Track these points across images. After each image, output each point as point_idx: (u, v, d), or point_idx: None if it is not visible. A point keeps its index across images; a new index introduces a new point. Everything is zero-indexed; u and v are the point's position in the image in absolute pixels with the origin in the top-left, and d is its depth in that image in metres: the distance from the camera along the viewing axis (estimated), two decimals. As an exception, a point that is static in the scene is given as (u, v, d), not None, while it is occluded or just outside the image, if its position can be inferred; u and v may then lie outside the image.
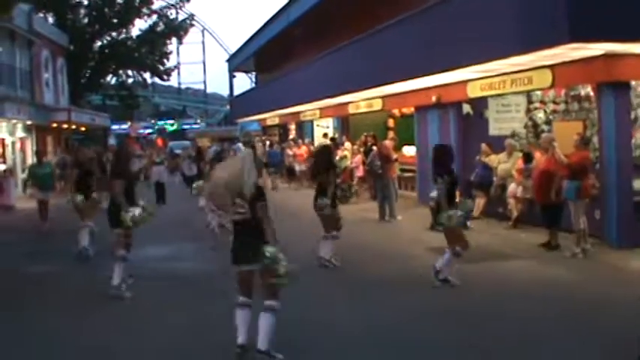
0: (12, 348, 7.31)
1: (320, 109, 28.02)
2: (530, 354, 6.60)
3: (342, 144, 24.02)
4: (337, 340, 6.28)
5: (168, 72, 50.38)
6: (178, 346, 7.12)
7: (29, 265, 12.11)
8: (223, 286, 9.40)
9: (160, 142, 49.37)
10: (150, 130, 76.34)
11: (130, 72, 49.22)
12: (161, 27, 48.15)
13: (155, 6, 47.55)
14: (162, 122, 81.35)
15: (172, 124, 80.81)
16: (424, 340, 7.04)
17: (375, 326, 6.77)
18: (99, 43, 46.57)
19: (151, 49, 47.65)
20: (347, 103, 24.29)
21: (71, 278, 10.85)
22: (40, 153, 19.34)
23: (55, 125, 34.18)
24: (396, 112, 24.05)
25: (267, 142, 33.38)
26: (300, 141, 29.07)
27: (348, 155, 22.39)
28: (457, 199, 9.65)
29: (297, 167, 26.96)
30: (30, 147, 29.68)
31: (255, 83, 51.32)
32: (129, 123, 66.83)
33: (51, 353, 7.18)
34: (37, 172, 17.01)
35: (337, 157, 18.44)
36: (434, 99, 17.47)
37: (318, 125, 31.61)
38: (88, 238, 12.44)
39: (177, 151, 33.43)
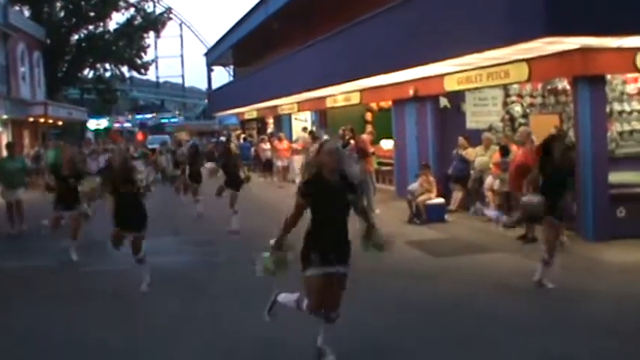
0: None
1: (298, 102, 27.95)
2: (509, 346, 6.63)
3: (321, 138, 23.94)
4: (311, 336, 6.24)
5: (146, 66, 50.15)
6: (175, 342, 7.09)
7: (5, 262, 11.99)
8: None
9: (140, 136, 49.06)
10: (129, 124, 75.94)
11: (107, 66, 48.88)
12: (138, 20, 47.86)
13: (132, -1, 47.30)
14: (140, 116, 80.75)
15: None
16: (404, 334, 7.05)
17: (355, 321, 6.76)
18: (76, 37, 46.22)
19: (129, 43, 47.37)
20: (325, 97, 24.26)
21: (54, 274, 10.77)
22: (11, 146, 17.16)
23: (31, 120, 33.89)
24: (373, 105, 24.10)
25: (242, 136, 33.35)
26: (281, 135, 28.59)
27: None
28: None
29: (280, 163, 26.60)
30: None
31: (234, 77, 51.16)
32: (108, 117, 66.61)
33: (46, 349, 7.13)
34: (7, 166, 15.21)
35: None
36: (411, 92, 17.49)
37: (296, 119, 31.53)
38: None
39: (153, 146, 32.55)
